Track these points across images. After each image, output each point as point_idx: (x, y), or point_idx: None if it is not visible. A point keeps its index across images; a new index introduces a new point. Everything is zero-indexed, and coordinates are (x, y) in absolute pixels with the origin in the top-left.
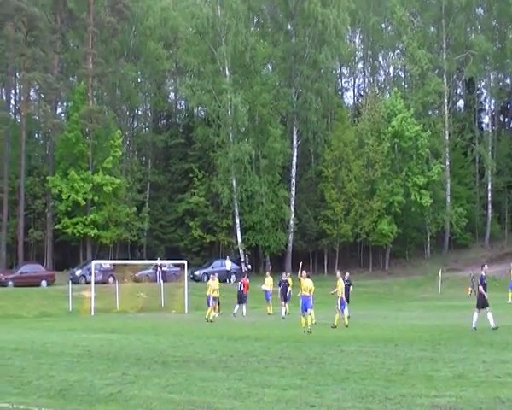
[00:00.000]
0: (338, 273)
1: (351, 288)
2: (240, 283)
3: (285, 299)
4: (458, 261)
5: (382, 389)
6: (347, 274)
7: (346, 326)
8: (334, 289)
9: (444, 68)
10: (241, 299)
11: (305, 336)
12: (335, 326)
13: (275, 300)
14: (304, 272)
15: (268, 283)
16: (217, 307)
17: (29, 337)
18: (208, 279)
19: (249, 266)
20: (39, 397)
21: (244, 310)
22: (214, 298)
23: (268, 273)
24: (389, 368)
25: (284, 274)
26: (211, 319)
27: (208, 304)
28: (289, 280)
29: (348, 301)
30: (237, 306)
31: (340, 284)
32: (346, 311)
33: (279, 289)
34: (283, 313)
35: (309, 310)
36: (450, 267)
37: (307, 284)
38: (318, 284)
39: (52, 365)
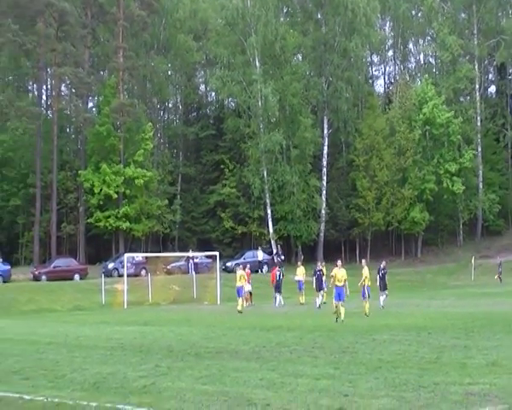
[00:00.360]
0: (363, 262)
1: (386, 276)
2: (278, 272)
3: (320, 289)
4: (491, 248)
5: (416, 378)
6: (384, 263)
7: (366, 315)
8: (362, 280)
9: (475, 54)
10: (279, 288)
11: (338, 326)
12: (367, 315)
13: (308, 289)
14: (339, 261)
15: (300, 272)
16: (249, 297)
17: (63, 331)
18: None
19: (282, 257)
20: (73, 390)
21: (277, 300)
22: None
23: (300, 263)
24: (422, 356)
25: (319, 263)
26: (240, 309)
27: (239, 295)
28: (324, 269)
29: (386, 288)
30: (278, 295)
31: (365, 272)
32: (381, 299)
33: (314, 278)
34: (318, 304)
35: (340, 302)
36: (483, 254)
37: (342, 273)
38: (350, 273)
39: (85, 358)
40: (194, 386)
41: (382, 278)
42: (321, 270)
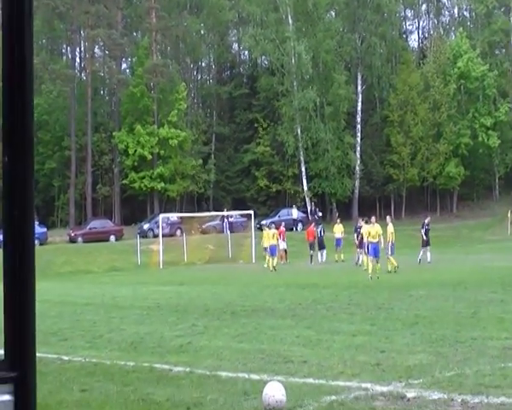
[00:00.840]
0: (388, 219)
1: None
2: (319, 229)
3: (361, 246)
4: None
5: (453, 333)
6: (428, 218)
7: (389, 271)
8: (389, 238)
9: (510, 6)
10: (322, 244)
11: (373, 283)
12: (397, 267)
13: (345, 246)
14: (373, 217)
15: (338, 230)
16: (284, 255)
17: (99, 292)
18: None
19: (320, 214)
20: (111, 350)
21: (322, 256)
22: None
23: (338, 221)
24: (459, 311)
25: (360, 220)
26: (274, 265)
27: (272, 254)
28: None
29: (429, 244)
30: (321, 252)
31: (390, 229)
32: (420, 254)
33: (355, 235)
34: (356, 260)
35: (376, 258)
36: None
37: (376, 229)
38: (384, 229)
39: (123, 318)
40: (231, 344)
41: (426, 234)
42: (361, 227)
